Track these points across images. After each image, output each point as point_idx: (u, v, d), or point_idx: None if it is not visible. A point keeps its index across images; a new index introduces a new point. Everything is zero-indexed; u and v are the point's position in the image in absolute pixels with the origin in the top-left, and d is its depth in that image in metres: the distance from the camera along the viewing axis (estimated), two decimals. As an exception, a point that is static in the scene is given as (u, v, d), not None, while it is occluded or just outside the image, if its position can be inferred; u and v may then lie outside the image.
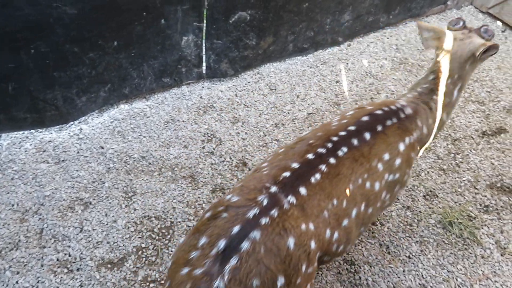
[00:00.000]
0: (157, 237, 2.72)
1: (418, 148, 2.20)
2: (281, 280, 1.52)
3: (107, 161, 3.12)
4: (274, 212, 1.58)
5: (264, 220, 1.55)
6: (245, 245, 1.48)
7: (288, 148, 1.93)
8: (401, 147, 2.04)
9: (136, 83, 3.51)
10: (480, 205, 3.06)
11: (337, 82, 4.00)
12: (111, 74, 3.33)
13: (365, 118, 2.02)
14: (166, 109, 3.57)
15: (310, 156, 1.81)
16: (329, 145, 1.86)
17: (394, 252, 2.76)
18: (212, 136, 3.40)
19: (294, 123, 3.57)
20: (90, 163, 3.10)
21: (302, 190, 1.68)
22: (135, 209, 2.85)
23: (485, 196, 3.12)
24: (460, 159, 3.37)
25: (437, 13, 4.98)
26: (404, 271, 2.67)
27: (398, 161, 2.02)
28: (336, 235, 1.77)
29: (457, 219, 2.93)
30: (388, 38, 4.59)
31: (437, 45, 2.26)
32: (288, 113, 3.66)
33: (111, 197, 2.91)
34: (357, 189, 1.85)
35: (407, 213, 2.98)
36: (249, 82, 3.91)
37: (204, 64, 3.74)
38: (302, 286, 1.62)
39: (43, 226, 2.71)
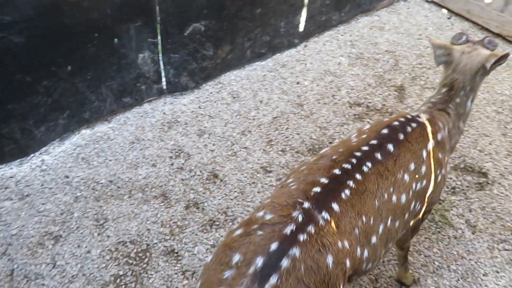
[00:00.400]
0: (134, 262, 2.65)
1: (447, 148, 2.21)
2: None
3: (74, 190, 3.03)
4: (311, 229, 1.53)
5: (302, 237, 1.49)
6: (285, 262, 1.42)
7: (310, 164, 1.89)
8: (425, 152, 2.03)
9: (95, 106, 3.43)
10: (447, 187, 3.17)
11: (298, 83, 4.05)
12: (68, 100, 3.24)
13: (385, 131, 2.00)
14: (130, 129, 3.50)
15: (337, 171, 1.77)
16: (354, 160, 1.83)
17: (372, 244, 2.81)
18: (179, 152, 3.36)
19: (261, 129, 3.58)
20: (56, 194, 3.00)
21: (335, 207, 1.64)
22: (108, 236, 2.78)
23: (451, 178, 3.23)
24: (424, 146, 3.48)
25: (386, 6, 5.13)
26: (383, 262, 2.72)
27: (424, 168, 2.01)
28: (366, 253, 1.73)
29: (428, 204, 3.02)
30: (342, 35, 4.69)
31: (447, 60, 2.30)
32: (253, 119, 3.67)
33: (82, 227, 2.82)
34: (383, 205, 1.82)
35: (380, 204, 3.05)
36: (211, 93, 3.90)
37: (163, 79, 3.70)
38: None
39: (13, 267, 2.59)
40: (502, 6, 4.51)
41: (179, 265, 2.66)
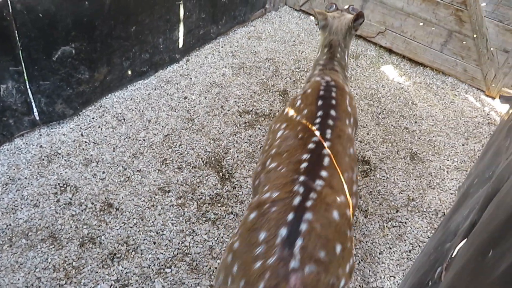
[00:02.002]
0: (25, 319, 2.32)
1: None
2: (338, 247, 1.72)
3: None
4: (313, 195, 1.78)
5: (309, 203, 1.74)
6: (304, 226, 1.65)
7: (283, 145, 2.15)
8: (348, 106, 2.42)
9: (-48, 149, 2.95)
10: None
11: (185, 98, 4.00)
12: None
13: (320, 102, 2.34)
14: (1, 170, 3.09)
15: (311, 145, 2.06)
16: (317, 132, 2.13)
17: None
18: (65, 186, 3.06)
19: (153, 149, 3.45)
20: None
21: (324, 173, 1.91)
22: (-12, 296, 2.39)
23: (340, 170, 3.47)
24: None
25: (259, 16, 5.38)
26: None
27: (352, 118, 2.38)
28: (354, 200, 2.05)
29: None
30: (222, 47, 4.78)
31: (325, 24, 2.75)
32: (144, 140, 3.52)
33: (-48, 292, 2.39)
34: (350, 158, 2.15)
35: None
36: (93, 118, 3.64)
37: (35, 109, 3.34)
38: (351, 248, 1.84)
39: None
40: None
41: (80, 310, 2.40)
